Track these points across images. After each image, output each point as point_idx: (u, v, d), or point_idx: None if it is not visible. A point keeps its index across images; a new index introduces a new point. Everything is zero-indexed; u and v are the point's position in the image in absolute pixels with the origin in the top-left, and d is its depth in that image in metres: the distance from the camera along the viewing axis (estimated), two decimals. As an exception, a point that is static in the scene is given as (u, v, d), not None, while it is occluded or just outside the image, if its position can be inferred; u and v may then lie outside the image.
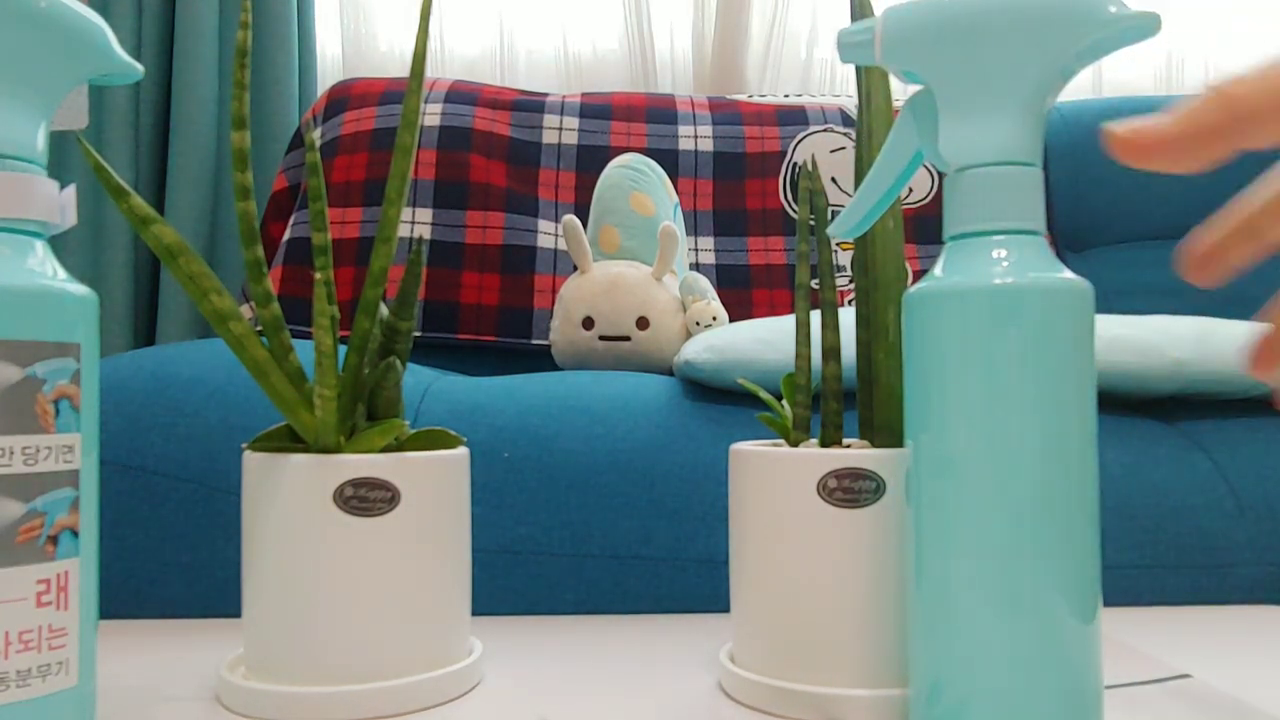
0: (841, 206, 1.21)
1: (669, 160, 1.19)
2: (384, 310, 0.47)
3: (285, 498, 0.42)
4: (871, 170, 0.38)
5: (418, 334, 1.10)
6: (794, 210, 1.21)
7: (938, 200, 1.22)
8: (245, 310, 1.13)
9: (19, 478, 0.33)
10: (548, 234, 1.15)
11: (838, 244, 1.20)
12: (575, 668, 0.49)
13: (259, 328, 0.46)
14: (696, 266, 1.16)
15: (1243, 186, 0.35)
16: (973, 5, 0.34)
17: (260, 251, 0.45)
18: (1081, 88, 1.58)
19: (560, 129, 1.21)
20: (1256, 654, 0.52)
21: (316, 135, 1.23)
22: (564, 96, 1.26)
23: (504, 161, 1.18)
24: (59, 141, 1.28)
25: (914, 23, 0.36)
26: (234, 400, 0.64)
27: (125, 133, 1.32)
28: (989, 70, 0.34)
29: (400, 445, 0.46)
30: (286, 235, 1.16)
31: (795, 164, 1.22)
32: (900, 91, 1.54)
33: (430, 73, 1.45)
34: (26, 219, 0.35)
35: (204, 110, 1.34)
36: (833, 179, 1.21)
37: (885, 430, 0.45)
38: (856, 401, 0.47)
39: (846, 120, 1.25)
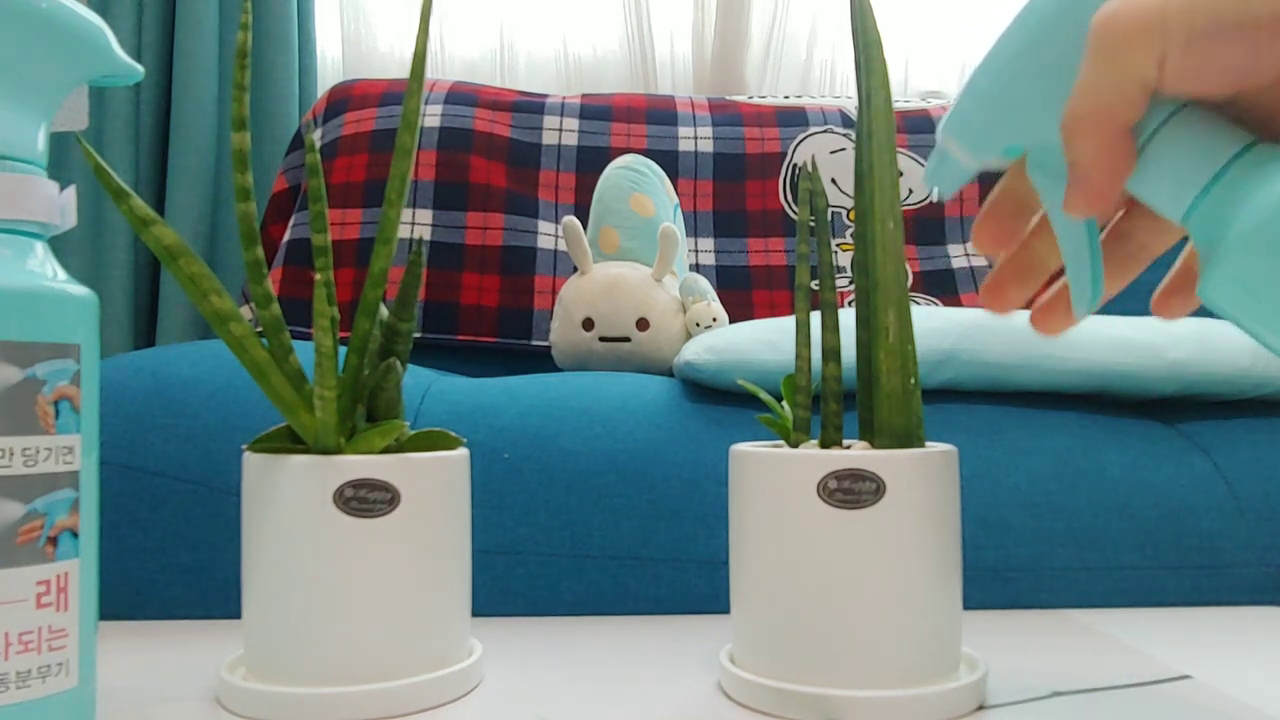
0: (842, 208, 1.21)
1: (669, 161, 1.19)
2: (384, 311, 0.47)
3: (285, 499, 0.42)
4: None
5: (418, 335, 1.10)
6: (794, 211, 1.21)
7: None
8: (245, 311, 1.13)
9: (19, 479, 0.33)
10: (548, 235, 1.15)
11: (838, 245, 1.20)
12: (575, 668, 0.49)
13: (259, 329, 0.46)
14: (696, 267, 1.16)
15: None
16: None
17: (260, 253, 0.45)
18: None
19: (560, 130, 1.21)
20: (1256, 654, 0.52)
21: (316, 136, 1.23)
22: (564, 97, 1.26)
23: (504, 163, 1.18)
24: (59, 142, 1.28)
25: None
26: (234, 401, 0.64)
27: (125, 133, 1.32)
28: None
29: (400, 446, 0.46)
30: (286, 236, 1.16)
31: (795, 165, 1.22)
32: (900, 92, 1.54)
33: (430, 74, 1.45)
34: (26, 220, 0.35)
35: (204, 111, 1.34)
36: (833, 180, 1.21)
37: (885, 431, 0.45)
38: (856, 402, 0.47)
39: (846, 121, 1.25)
